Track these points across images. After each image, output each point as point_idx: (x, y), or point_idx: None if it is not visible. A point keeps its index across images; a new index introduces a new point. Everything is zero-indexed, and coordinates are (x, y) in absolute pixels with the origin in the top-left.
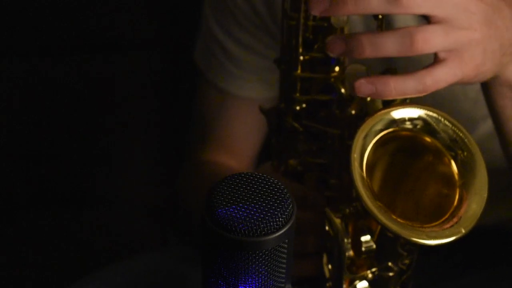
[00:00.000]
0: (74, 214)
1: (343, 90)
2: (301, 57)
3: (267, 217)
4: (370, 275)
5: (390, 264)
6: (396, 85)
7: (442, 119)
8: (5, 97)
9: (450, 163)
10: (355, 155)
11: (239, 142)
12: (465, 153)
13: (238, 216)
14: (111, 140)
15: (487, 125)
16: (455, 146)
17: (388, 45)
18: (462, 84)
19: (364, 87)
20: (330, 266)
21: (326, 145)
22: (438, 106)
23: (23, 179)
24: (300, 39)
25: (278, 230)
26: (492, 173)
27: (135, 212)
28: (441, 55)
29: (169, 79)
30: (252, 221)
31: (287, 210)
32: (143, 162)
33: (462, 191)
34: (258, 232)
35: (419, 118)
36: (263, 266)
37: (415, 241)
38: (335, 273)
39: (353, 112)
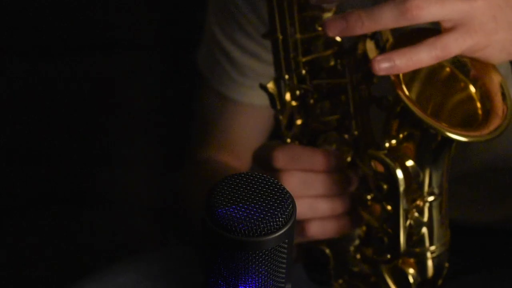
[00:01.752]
0: (74, 214)
1: (338, 39)
2: (296, 19)
3: (267, 217)
4: (421, 204)
5: (435, 190)
6: (412, 56)
7: None
8: (5, 97)
9: (469, 87)
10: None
11: (240, 146)
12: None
13: (238, 216)
14: (111, 140)
15: None
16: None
17: (385, 16)
18: (480, 55)
19: (383, 64)
20: (388, 207)
21: (339, 99)
22: None
23: (23, 179)
24: (286, 5)
25: (278, 230)
26: (494, 172)
27: (135, 212)
28: (446, 24)
29: (169, 79)
30: (252, 221)
31: (287, 210)
32: (143, 162)
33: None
34: (258, 232)
35: None
36: (263, 266)
37: (456, 138)
38: (392, 209)
39: (357, 56)
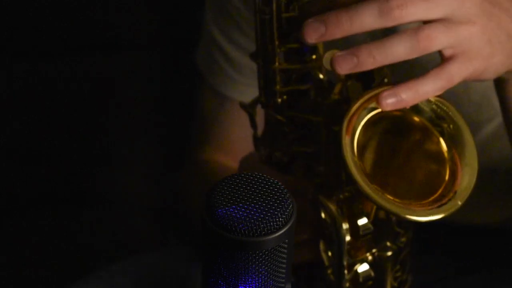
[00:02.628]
0: (74, 214)
1: (321, 76)
2: (278, 50)
3: (267, 217)
4: (370, 257)
5: (388, 243)
6: (418, 89)
7: None
8: (5, 97)
9: (438, 139)
10: (346, 140)
11: (238, 145)
12: (451, 126)
13: (238, 216)
14: (111, 140)
15: (490, 127)
16: (440, 121)
17: (398, 49)
18: (475, 80)
19: (390, 100)
20: (329, 253)
21: (311, 133)
22: None
23: (23, 179)
24: (275, 33)
25: (278, 230)
26: (494, 173)
27: (135, 212)
28: (447, 52)
29: (169, 79)
30: (252, 221)
31: (287, 210)
32: (143, 162)
33: (454, 164)
34: (258, 232)
35: None
36: (263, 266)
37: (413, 219)
38: (335, 260)
39: (335, 97)
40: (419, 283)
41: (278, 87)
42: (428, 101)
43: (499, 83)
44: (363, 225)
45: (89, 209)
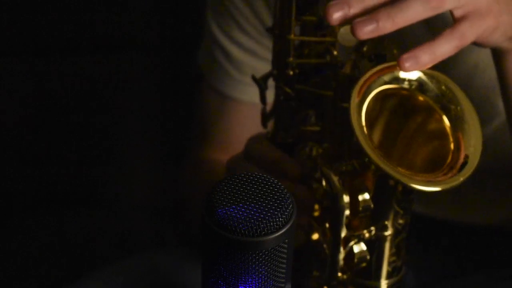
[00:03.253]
0: (74, 214)
1: (335, 53)
2: (295, 22)
3: (267, 217)
4: (367, 235)
5: (386, 222)
6: (435, 50)
7: (435, 76)
8: (5, 97)
9: (442, 118)
10: (354, 104)
11: (239, 144)
12: (458, 108)
13: (238, 216)
14: (111, 140)
15: (491, 128)
16: (449, 103)
17: (413, 10)
18: (487, 40)
19: (409, 62)
20: (327, 225)
21: (319, 110)
22: None
23: (23, 180)
24: (294, 3)
25: (278, 230)
26: (494, 173)
27: (135, 212)
28: (458, 12)
29: (169, 79)
30: (252, 221)
31: (287, 210)
32: (143, 162)
33: (458, 143)
34: (258, 232)
35: (416, 78)
36: (263, 266)
37: (415, 187)
38: (333, 231)
39: (346, 72)
40: (420, 282)
41: (291, 59)
42: (438, 81)
43: (499, 55)
44: (364, 200)
45: (89, 209)
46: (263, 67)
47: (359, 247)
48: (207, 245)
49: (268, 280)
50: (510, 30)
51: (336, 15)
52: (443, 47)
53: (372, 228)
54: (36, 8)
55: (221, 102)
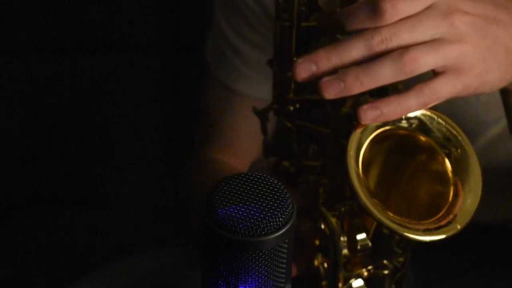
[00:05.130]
0: (74, 214)
1: None
2: (294, 58)
3: (267, 217)
4: (365, 273)
5: (385, 262)
6: (400, 104)
7: (436, 117)
8: (6, 97)
9: (444, 161)
10: (351, 152)
11: (244, 142)
12: (459, 151)
13: (238, 216)
14: (111, 140)
15: (497, 128)
16: (449, 144)
17: (383, 73)
18: (470, 94)
19: (369, 113)
20: (325, 265)
21: (319, 146)
22: (450, 111)
23: (23, 179)
24: (294, 41)
25: (278, 230)
26: (498, 173)
27: (135, 213)
28: (438, 69)
29: (169, 79)
30: (252, 221)
31: (287, 210)
32: (144, 163)
33: (457, 188)
34: (258, 232)
35: (415, 117)
36: (263, 266)
37: (410, 237)
38: (330, 272)
39: (346, 110)
40: (421, 281)
41: (291, 95)
42: (439, 123)
43: (503, 92)
44: (362, 240)
45: (89, 209)
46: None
47: (357, 283)
48: (207, 245)
49: (268, 280)
50: (500, 84)
51: (304, 74)
52: (410, 103)
53: (370, 267)
54: (36, 8)
55: (226, 96)
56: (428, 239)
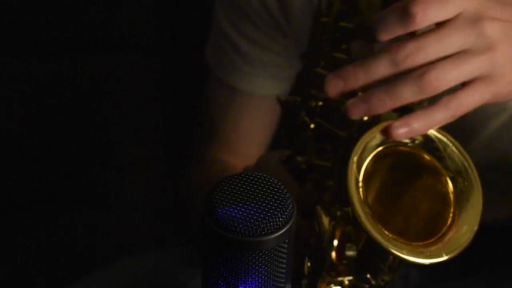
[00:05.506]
0: (74, 214)
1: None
2: (325, 55)
3: (267, 217)
4: (346, 282)
5: (368, 276)
6: (428, 118)
7: (451, 145)
8: (6, 97)
9: (448, 189)
10: (355, 158)
11: (246, 140)
12: (466, 183)
13: (238, 216)
14: (111, 140)
15: (497, 122)
16: (457, 175)
17: (405, 93)
18: (499, 101)
19: (401, 130)
20: (309, 264)
21: (333, 147)
22: None
23: (23, 179)
24: (329, 38)
25: (278, 230)
26: (499, 169)
27: (135, 213)
28: (466, 80)
29: (169, 79)
30: (252, 221)
31: (287, 210)
32: (144, 163)
33: (454, 218)
34: (258, 232)
35: (429, 138)
36: (263, 266)
37: (393, 253)
38: (313, 272)
39: (365, 118)
40: (423, 281)
41: (315, 90)
42: (453, 151)
43: None
44: (349, 247)
45: (89, 209)
46: (273, 59)
47: None
48: (207, 245)
49: (268, 280)
50: None
51: (334, 91)
52: (438, 116)
53: (351, 278)
54: (36, 8)
55: (228, 94)
56: (410, 259)
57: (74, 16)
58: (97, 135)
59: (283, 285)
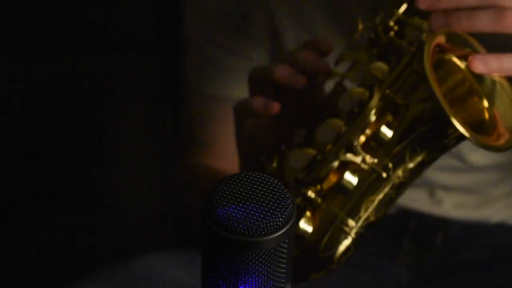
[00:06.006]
0: (74, 214)
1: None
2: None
3: (267, 217)
4: (368, 160)
5: (390, 164)
6: (504, 62)
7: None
8: (5, 97)
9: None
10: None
11: (226, 144)
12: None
13: (238, 216)
14: (111, 140)
15: None
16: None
17: (483, 20)
18: None
19: (480, 62)
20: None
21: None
22: None
23: (23, 179)
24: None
25: (278, 230)
26: (497, 170)
27: (135, 212)
28: None
29: (169, 79)
30: (252, 221)
31: (287, 210)
32: (143, 163)
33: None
34: (258, 232)
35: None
36: (263, 266)
37: (457, 127)
38: (347, 132)
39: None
40: (416, 280)
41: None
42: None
43: None
44: (387, 128)
45: (89, 209)
46: (242, 64)
47: (350, 176)
48: (207, 245)
49: (268, 280)
50: None
51: (424, 3)
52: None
53: (375, 160)
54: (36, 8)
55: (206, 102)
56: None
57: (74, 16)
58: (97, 135)
59: (283, 285)
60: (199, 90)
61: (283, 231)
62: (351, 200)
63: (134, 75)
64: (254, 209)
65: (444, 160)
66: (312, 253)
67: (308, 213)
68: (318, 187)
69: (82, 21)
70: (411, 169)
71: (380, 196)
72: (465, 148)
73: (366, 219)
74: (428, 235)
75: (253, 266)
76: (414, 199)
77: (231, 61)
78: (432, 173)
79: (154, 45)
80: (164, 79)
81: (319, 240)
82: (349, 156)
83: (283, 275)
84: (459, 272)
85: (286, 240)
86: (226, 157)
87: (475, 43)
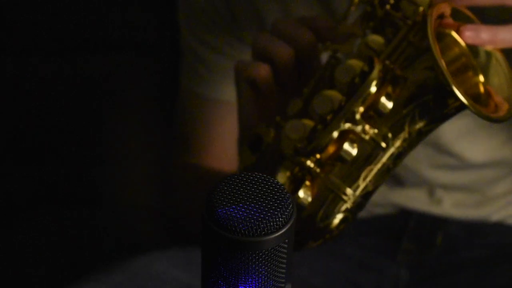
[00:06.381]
0: (74, 214)
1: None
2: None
3: (267, 217)
4: (368, 131)
5: (389, 134)
6: (497, 34)
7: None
8: (5, 97)
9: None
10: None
11: (220, 144)
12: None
13: (238, 216)
14: (111, 140)
15: None
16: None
17: (507, 36)
18: None
19: (470, 33)
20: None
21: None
22: None
23: (23, 179)
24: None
25: (278, 230)
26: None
27: (135, 213)
28: None
29: (169, 79)
30: (252, 221)
31: (287, 210)
32: (143, 162)
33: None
34: (258, 232)
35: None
36: (263, 266)
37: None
38: (346, 104)
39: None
40: (414, 280)
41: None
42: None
43: None
44: (387, 99)
45: (89, 209)
46: (229, 64)
47: (349, 146)
48: (207, 245)
49: (268, 280)
50: None
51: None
52: (505, 35)
53: (375, 130)
54: (36, 8)
55: (198, 103)
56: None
57: (74, 16)
58: (97, 135)
59: (283, 285)
60: (188, 89)
61: (283, 231)
62: (350, 170)
63: (134, 75)
64: (254, 209)
65: (441, 158)
66: (310, 222)
67: (307, 183)
68: (318, 156)
69: (82, 21)
70: (409, 139)
71: (379, 165)
72: (460, 146)
73: (365, 188)
74: (427, 235)
75: (253, 266)
76: (414, 198)
77: (224, 63)
78: (430, 172)
79: (154, 45)
80: (164, 79)
81: (317, 209)
82: (349, 126)
83: (283, 275)
84: (459, 272)
85: (286, 240)
86: (224, 157)
87: (476, 19)
